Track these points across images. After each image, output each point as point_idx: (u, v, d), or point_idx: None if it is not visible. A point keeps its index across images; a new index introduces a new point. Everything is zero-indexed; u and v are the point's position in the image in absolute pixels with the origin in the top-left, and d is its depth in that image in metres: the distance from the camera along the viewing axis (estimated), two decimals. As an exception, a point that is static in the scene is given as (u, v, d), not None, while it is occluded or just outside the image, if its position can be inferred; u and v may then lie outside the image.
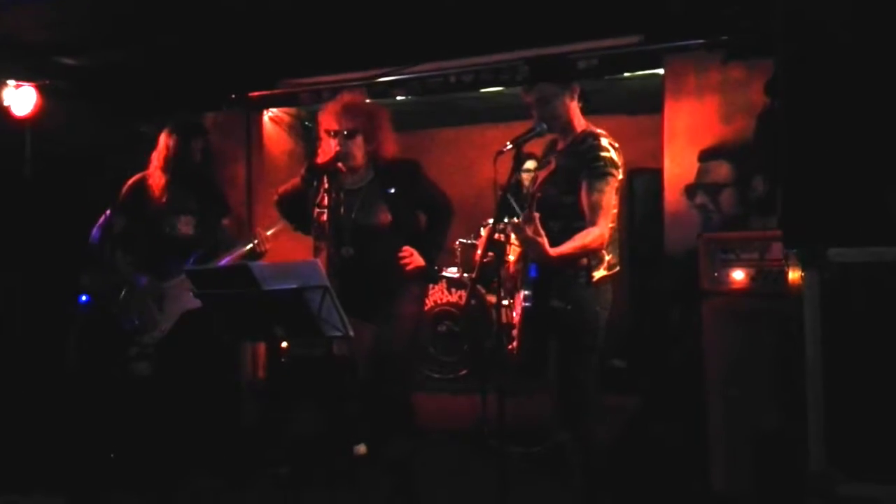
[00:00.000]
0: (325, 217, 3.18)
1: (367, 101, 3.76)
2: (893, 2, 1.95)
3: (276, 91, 5.18)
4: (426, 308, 4.91)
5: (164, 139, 3.90)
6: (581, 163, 2.73)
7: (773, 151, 2.30)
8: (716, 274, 3.45)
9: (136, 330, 3.79)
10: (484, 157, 2.91)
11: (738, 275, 3.41)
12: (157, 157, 3.90)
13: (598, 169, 2.69)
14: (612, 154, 2.73)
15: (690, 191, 4.22)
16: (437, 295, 5.01)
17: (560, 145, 2.91)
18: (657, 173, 4.45)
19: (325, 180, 3.21)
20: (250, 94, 5.18)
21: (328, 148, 3.32)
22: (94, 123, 4.89)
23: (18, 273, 4.67)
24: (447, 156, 5.95)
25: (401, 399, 3.45)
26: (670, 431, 3.76)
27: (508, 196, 2.71)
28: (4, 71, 4.49)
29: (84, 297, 4.49)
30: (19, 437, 4.10)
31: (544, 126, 2.79)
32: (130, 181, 3.94)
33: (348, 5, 4.20)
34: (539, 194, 2.65)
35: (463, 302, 4.89)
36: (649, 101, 4.60)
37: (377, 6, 4.21)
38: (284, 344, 3.72)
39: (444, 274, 5.04)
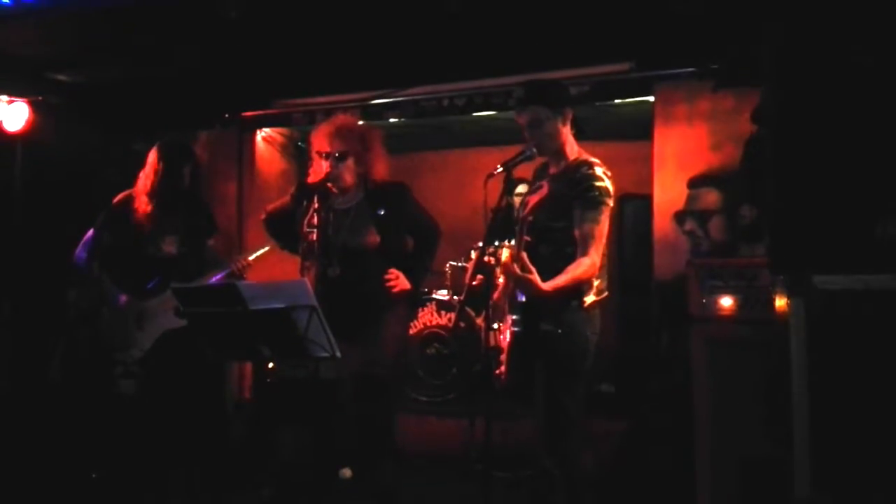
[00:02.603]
0: (313, 237, 3.17)
1: (360, 123, 3.77)
2: (881, 29, 1.98)
3: (269, 111, 5.21)
4: (415, 331, 4.90)
5: (152, 161, 3.82)
6: (575, 191, 2.73)
7: (761, 178, 2.32)
8: (704, 300, 3.46)
9: (115, 347, 3.75)
10: (476, 181, 2.92)
11: (727, 301, 3.42)
12: (144, 179, 3.84)
13: (592, 199, 2.69)
14: (607, 183, 2.74)
15: (679, 217, 4.24)
16: (427, 317, 4.99)
17: (552, 170, 2.92)
18: (647, 199, 4.48)
19: (315, 200, 3.21)
20: (244, 114, 5.20)
21: (319, 168, 3.34)
22: (87, 140, 4.89)
23: (7, 288, 4.65)
24: (439, 178, 5.97)
25: (386, 422, 3.43)
26: (658, 457, 3.74)
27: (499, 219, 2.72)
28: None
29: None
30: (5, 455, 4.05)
31: (534, 150, 2.80)
32: (117, 198, 3.90)
33: (343, 27, 4.24)
34: (530, 219, 2.65)
35: (452, 324, 4.88)
36: (639, 128, 4.64)
37: (372, 29, 4.25)
38: (271, 365, 3.72)
39: (433, 296, 5.03)
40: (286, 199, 3.55)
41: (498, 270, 2.88)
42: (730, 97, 4.11)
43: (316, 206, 3.19)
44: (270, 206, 3.66)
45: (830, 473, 1.93)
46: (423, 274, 3.53)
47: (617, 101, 4.57)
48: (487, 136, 5.41)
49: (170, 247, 3.86)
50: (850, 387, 1.95)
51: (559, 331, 2.67)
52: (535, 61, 4.25)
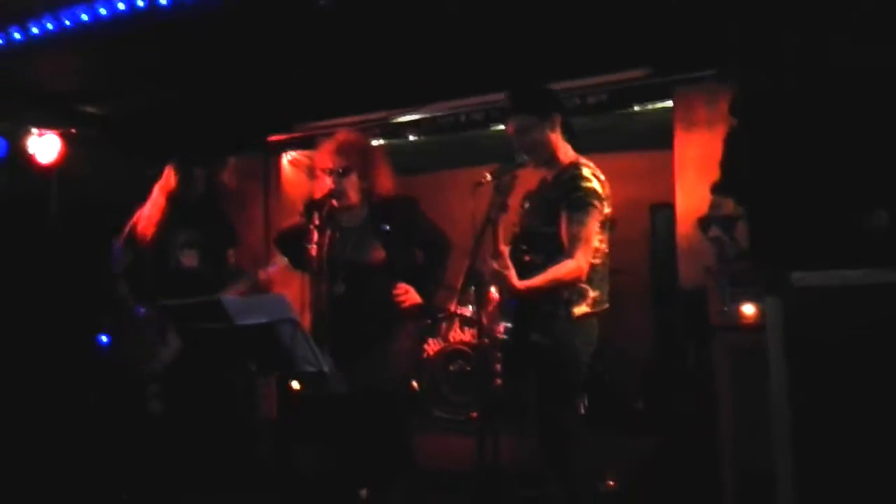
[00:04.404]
0: (313, 252, 3.18)
1: (362, 138, 3.75)
2: (856, 22, 1.87)
3: (292, 134, 5.28)
4: (439, 347, 4.85)
5: (167, 173, 3.90)
6: (561, 193, 2.66)
7: (739, 173, 2.22)
8: (725, 308, 3.32)
9: (137, 360, 3.79)
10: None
11: (749, 309, 3.27)
12: (158, 190, 3.90)
13: (578, 199, 2.62)
14: (595, 185, 2.65)
15: (704, 223, 4.09)
16: (450, 334, 4.94)
17: (547, 177, 2.86)
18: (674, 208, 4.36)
19: (317, 217, 3.22)
20: (268, 138, 5.29)
21: (323, 185, 3.35)
22: (117, 170, 5.02)
23: (41, 318, 4.79)
24: (463, 194, 5.93)
25: (397, 439, 3.38)
26: (684, 472, 3.60)
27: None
28: (29, 119, 4.66)
29: (105, 338, 4.55)
30: (36, 476, 4.14)
31: (524, 157, 2.75)
32: (134, 216, 3.97)
33: (358, 49, 4.28)
34: (519, 220, 2.58)
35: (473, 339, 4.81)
36: (666, 136, 4.52)
37: (387, 47, 4.28)
38: (296, 385, 3.71)
39: (459, 313, 4.97)
40: (297, 217, 3.58)
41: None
42: (749, 98, 3.97)
43: (316, 222, 3.20)
44: (282, 226, 3.69)
45: (818, 485, 1.80)
46: (435, 287, 3.48)
47: (636, 107, 4.47)
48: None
49: (190, 260, 3.89)
50: (833, 389, 1.82)
51: (547, 341, 2.59)
52: (552, 71, 4.19)
